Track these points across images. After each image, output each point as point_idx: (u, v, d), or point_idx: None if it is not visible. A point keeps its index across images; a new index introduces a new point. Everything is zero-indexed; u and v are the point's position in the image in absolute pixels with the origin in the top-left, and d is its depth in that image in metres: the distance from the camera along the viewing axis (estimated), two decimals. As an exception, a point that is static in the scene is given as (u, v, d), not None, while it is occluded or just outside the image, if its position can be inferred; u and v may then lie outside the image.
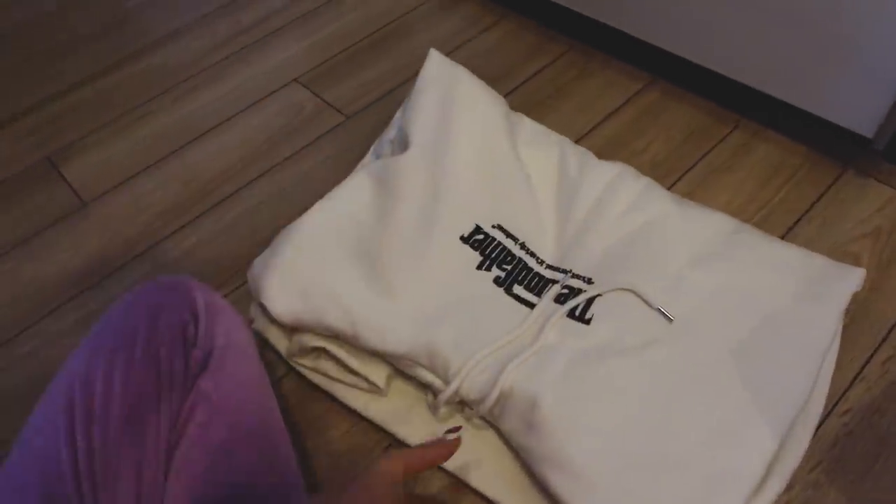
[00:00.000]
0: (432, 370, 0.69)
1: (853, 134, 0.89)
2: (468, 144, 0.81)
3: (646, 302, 0.71)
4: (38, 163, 1.07)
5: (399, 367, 0.71)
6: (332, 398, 0.75)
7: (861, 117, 0.87)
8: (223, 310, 0.61)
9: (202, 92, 1.15)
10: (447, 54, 1.15)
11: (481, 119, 0.84)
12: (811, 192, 0.91)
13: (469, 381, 0.67)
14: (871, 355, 0.75)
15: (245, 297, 0.86)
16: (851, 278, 0.73)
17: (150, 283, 0.60)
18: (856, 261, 0.83)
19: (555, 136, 0.90)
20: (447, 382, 0.68)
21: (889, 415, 0.71)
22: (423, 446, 0.61)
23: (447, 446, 0.60)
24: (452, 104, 0.84)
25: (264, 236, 0.93)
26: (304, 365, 0.76)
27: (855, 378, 0.73)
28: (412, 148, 0.80)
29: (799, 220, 0.88)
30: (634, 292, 0.72)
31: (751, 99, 0.97)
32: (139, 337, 0.56)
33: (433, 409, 0.70)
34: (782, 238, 0.86)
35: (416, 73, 1.13)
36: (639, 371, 0.67)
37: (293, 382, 0.78)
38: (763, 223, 0.88)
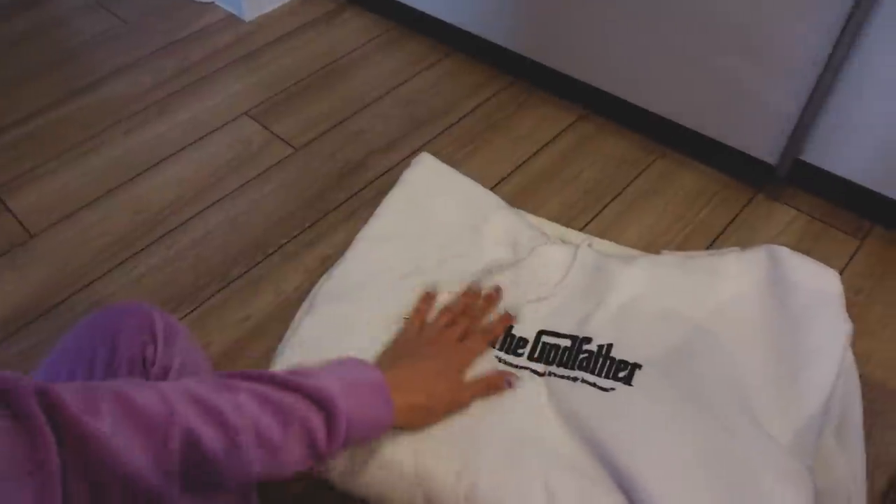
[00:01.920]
0: None
1: (760, 161, 0.98)
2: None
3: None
4: (-16, 195, 1.07)
5: None
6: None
7: (765, 147, 0.97)
8: (180, 332, 0.64)
9: (152, 125, 1.18)
10: (389, 91, 1.22)
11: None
12: (726, 214, 0.99)
13: None
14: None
15: (196, 321, 0.89)
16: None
17: (108, 307, 0.62)
18: (766, 276, 0.91)
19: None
20: None
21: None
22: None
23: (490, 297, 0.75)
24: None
25: (213, 264, 0.96)
26: None
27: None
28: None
29: (716, 239, 0.96)
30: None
31: (673, 131, 1.06)
32: (98, 359, 0.58)
33: None
34: (702, 257, 0.94)
35: (363, 108, 1.18)
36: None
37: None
38: (685, 242, 0.96)
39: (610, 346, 0.72)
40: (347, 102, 1.21)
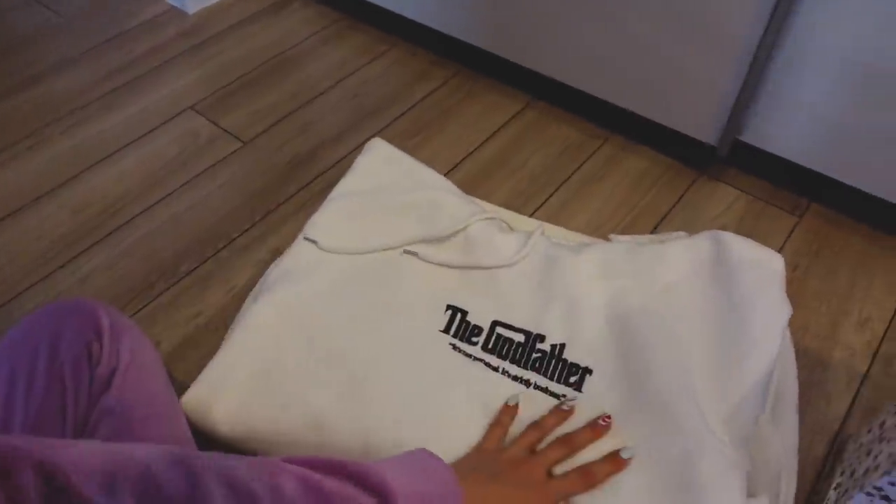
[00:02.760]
0: None
1: (701, 143, 1.01)
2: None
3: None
4: (-83, 197, 1.03)
5: None
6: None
7: (706, 128, 0.99)
8: (128, 329, 0.63)
9: (96, 120, 1.15)
10: (337, 82, 1.21)
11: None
12: (671, 196, 1.02)
13: None
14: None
15: (146, 318, 0.88)
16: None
17: (50, 305, 0.61)
18: (709, 255, 0.94)
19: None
20: None
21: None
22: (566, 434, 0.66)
23: (596, 428, 0.66)
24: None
25: (162, 259, 0.94)
26: None
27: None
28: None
29: (661, 220, 0.99)
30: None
31: (617, 116, 1.08)
32: (40, 358, 0.57)
33: None
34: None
35: (311, 100, 1.18)
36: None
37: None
38: (631, 225, 0.98)
39: (563, 345, 0.74)
40: (295, 95, 1.20)
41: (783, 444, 0.68)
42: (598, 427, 0.66)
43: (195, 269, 0.93)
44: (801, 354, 0.83)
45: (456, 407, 0.69)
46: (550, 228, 0.91)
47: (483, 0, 1.11)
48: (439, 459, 0.52)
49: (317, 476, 0.42)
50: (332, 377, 0.71)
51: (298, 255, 0.82)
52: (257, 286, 0.82)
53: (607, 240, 0.89)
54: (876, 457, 0.59)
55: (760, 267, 0.76)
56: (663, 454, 0.63)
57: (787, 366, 0.77)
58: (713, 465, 0.61)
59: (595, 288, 0.77)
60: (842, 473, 0.65)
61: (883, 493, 0.54)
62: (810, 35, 0.85)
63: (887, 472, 0.52)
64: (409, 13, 1.23)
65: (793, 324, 0.86)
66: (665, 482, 0.62)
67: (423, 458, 0.52)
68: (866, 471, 0.58)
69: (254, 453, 0.69)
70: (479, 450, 0.65)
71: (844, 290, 0.90)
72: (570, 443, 0.65)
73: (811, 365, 0.83)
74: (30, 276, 0.93)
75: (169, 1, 1.40)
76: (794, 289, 0.90)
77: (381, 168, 0.91)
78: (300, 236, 0.84)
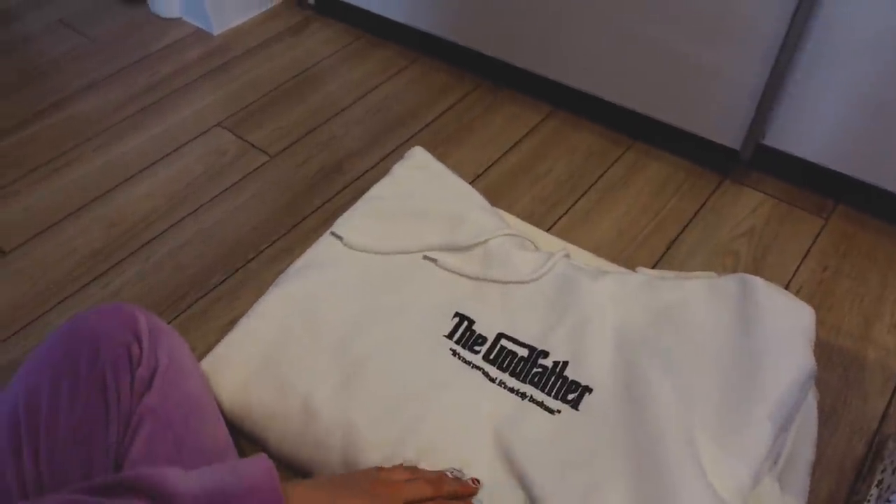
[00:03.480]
0: None
1: (725, 148, 1.02)
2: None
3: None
4: (-46, 216, 1.06)
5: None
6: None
7: (728, 133, 1.00)
8: (165, 331, 0.64)
9: (123, 140, 1.18)
10: (360, 98, 1.23)
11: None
12: (695, 201, 1.02)
13: None
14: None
15: (178, 328, 0.88)
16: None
17: (90, 310, 0.62)
18: (736, 257, 0.94)
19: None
20: None
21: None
22: (439, 475, 0.63)
23: (466, 487, 0.63)
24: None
25: (192, 273, 0.96)
26: None
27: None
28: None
29: (686, 225, 0.99)
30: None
31: (639, 123, 1.09)
32: (82, 360, 0.58)
33: None
34: (673, 242, 0.96)
35: (334, 115, 1.21)
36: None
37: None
38: (656, 230, 0.98)
39: (566, 363, 0.72)
40: (319, 110, 1.22)
41: None
42: (467, 486, 0.63)
43: (225, 280, 0.95)
44: (836, 354, 0.83)
45: (444, 410, 0.69)
46: (576, 252, 0.90)
47: (500, 11, 1.13)
48: (263, 463, 0.51)
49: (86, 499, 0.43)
50: (331, 369, 0.72)
51: (321, 249, 0.85)
52: (280, 276, 0.84)
53: (633, 270, 0.87)
54: (920, 449, 0.58)
55: (787, 317, 0.71)
56: (648, 488, 0.60)
57: (806, 428, 0.72)
58: None
59: (607, 313, 0.75)
60: (883, 471, 0.64)
61: (929, 484, 0.53)
62: (832, 34, 0.85)
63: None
64: (427, 27, 1.25)
65: (825, 324, 0.86)
66: None
67: (244, 463, 0.52)
68: (910, 464, 0.58)
69: (249, 434, 0.72)
70: (354, 472, 0.64)
71: (876, 291, 0.90)
72: (438, 487, 0.61)
73: (846, 364, 0.82)
74: (64, 290, 0.95)
75: (194, 23, 1.43)
76: (825, 289, 0.90)
77: (416, 175, 0.92)
78: (328, 232, 0.87)
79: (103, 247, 1.00)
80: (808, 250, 0.95)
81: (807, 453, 0.71)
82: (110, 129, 1.20)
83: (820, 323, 0.84)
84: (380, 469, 0.63)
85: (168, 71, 1.32)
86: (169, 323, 0.89)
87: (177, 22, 1.44)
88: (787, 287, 0.90)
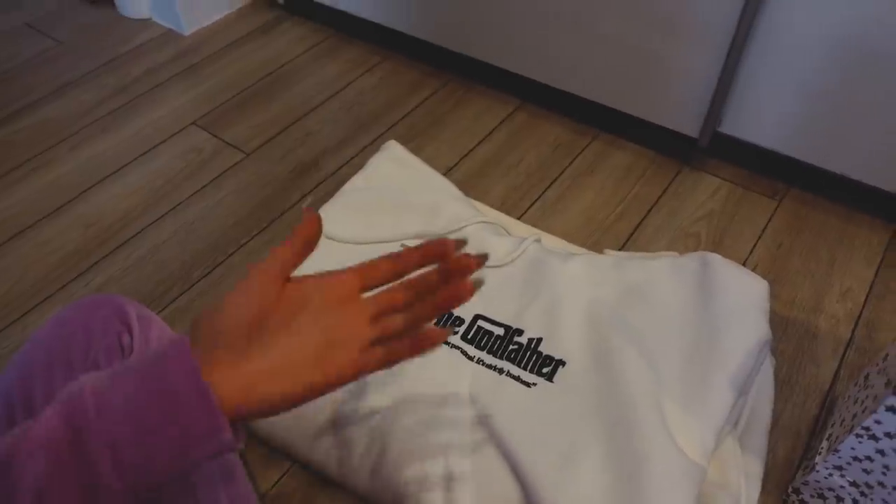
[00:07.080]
0: None
1: (684, 136, 1.07)
2: None
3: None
4: (-71, 219, 1.06)
5: None
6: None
7: (687, 122, 1.05)
8: (154, 319, 0.66)
9: (98, 140, 1.19)
10: (333, 95, 1.26)
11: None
12: (658, 187, 1.08)
13: None
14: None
15: (166, 320, 0.90)
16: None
17: (78, 301, 0.64)
18: (697, 239, 0.99)
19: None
20: None
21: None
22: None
23: (309, 222, 0.45)
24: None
25: (174, 269, 0.98)
26: None
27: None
28: None
29: (650, 210, 1.04)
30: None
31: (603, 114, 1.14)
32: (75, 348, 0.60)
33: None
34: (638, 226, 1.01)
35: (309, 112, 1.23)
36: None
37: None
38: (622, 215, 1.03)
39: (539, 339, 0.77)
40: (294, 108, 1.24)
41: (747, 470, 0.70)
42: (461, 260, 0.44)
43: (208, 273, 0.97)
44: (790, 325, 0.88)
45: (425, 387, 0.73)
46: (547, 238, 0.95)
47: (466, 9, 1.16)
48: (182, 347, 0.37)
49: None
50: None
51: None
52: None
53: (601, 252, 0.92)
54: (862, 402, 0.63)
55: (744, 291, 0.77)
56: (621, 451, 0.66)
57: (763, 392, 0.78)
58: (666, 470, 0.64)
59: (578, 291, 0.80)
60: (832, 425, 0.70)
61: (870, 432, 0.58)
62: (777, 29, 0.91)
63: (873, 412, 0.57)
64: (397, 25, 1.28)
65: (780, 297, 0.92)
66: (618, 476, 0.64)
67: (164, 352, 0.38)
68: (854, 415, 0.63)
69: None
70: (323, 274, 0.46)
71: (826, 265, 0.96)
72: (418, 284, 0.45)
73: (800, 335, 0.88)
74: (45, 289, 0.96)
75: (164, 24, 1.44)
76: (779, 266, 0.96)
77: (392, 167, 0.96)
78: None
79: (83, 245, 1.01)
80: (764, 230, 1.01)
81: (765, 416, 0.77)
82: (84, 130, 1.21)
83: (775, 297, 0.90)
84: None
85: (139, 72, 1.33)
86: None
87: (146, 23, 1.45)
88: (744, 264, 0.96)
